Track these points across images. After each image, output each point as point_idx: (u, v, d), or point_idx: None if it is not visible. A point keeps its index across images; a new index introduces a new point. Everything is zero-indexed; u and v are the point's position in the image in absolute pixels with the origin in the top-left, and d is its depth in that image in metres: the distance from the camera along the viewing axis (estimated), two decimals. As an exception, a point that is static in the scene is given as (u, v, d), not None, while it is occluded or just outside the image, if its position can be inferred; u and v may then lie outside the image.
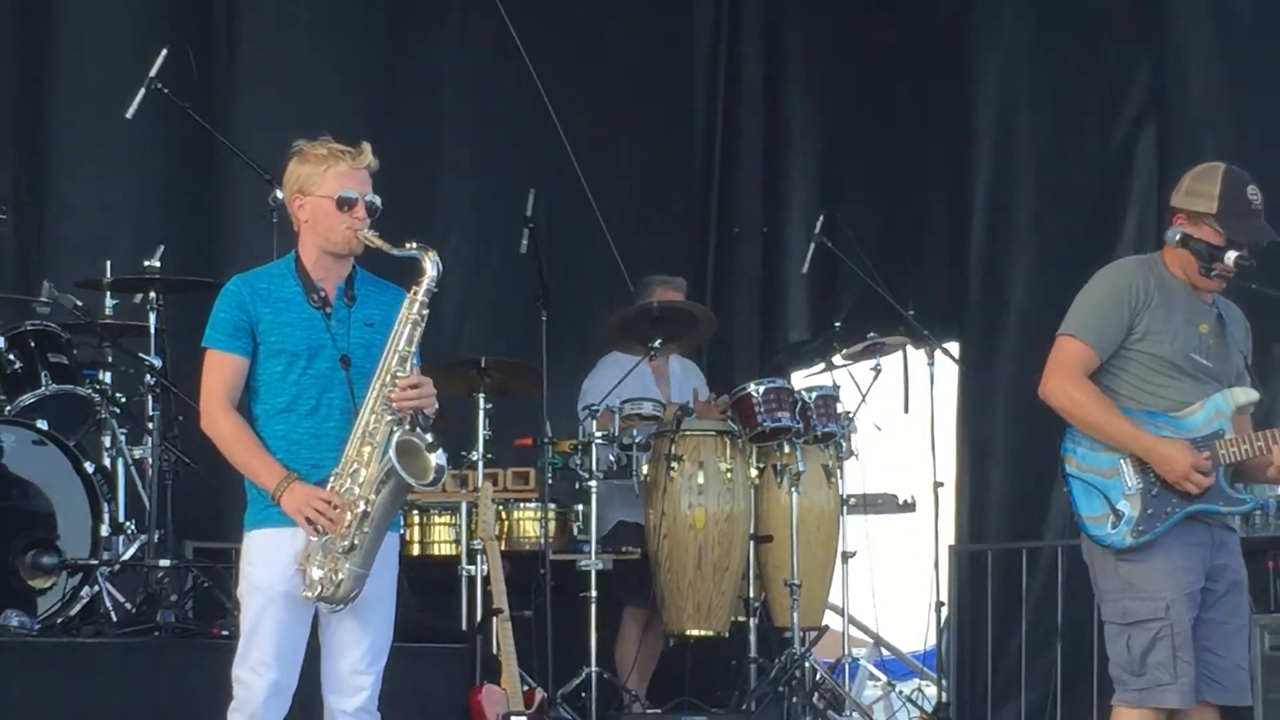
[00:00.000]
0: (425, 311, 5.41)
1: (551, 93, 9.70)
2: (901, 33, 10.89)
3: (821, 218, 9.80)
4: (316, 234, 5.43)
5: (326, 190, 5.39)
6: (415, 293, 5.40)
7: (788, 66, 11.55)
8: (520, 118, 9.98)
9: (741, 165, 11.49)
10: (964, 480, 10.31)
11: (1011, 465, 10.22)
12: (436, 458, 5.35)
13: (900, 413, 9.35)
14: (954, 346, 10.12)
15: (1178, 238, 5.83)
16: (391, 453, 5.26)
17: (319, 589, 5.26)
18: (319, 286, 5.45)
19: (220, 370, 5.38)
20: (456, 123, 10.47)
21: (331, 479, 5.32)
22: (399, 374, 5.35)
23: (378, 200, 5.44)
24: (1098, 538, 5.79)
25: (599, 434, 8.41)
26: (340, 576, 5.25)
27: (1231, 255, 5.76)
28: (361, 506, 5.27)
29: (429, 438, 5.37)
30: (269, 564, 5.34)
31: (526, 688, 7.34)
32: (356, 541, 5.26)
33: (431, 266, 5.38)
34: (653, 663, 8.85)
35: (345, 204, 5.38)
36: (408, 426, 5.33)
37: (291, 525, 5.29)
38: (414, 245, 5.40)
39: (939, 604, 9.43)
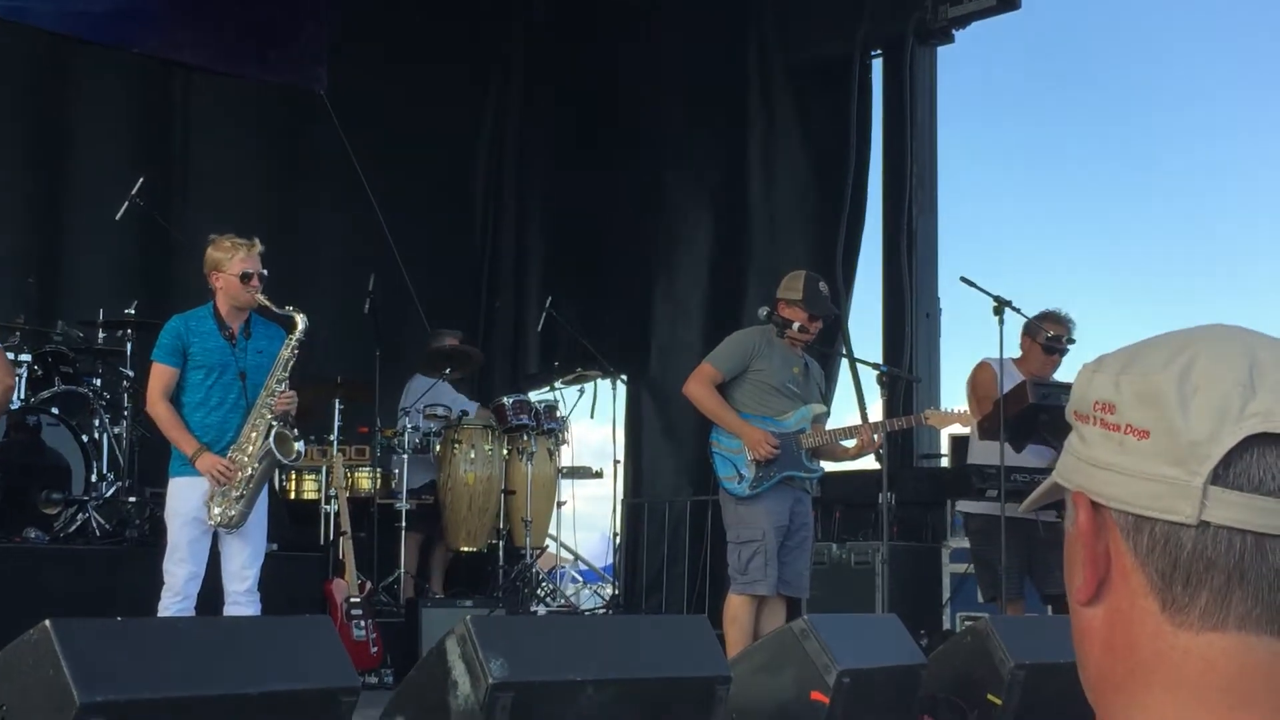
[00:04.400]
0: (297, 350, 5.42)
1: (384, 206, 9.63)
2: (612, 179, 10.72)
3: (550, 298, 9.87)
4: (228, 296, 5.44)
5: (234, 270, 5.41)
6: (290, 339, 5.41)
7: (530, 205, 11.40)
8: (363, 221, 9.73)
9: (501, 264, 11.34)
10: (628, 458, 10.22)
11: (660, 449, 10.24)
12: (299, 445, 5.43)
13: (590, 417, 9.46)
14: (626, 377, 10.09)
15: (763, 314, 6.04)
16: (270, 440, 5.30)
17: (219, 519, 5.29)
18: (228, 325, 5.44)
19: (162, 376, 5.38)
20: (330, 224, 10.28)
21: (231, 450, 5.32)
22: (278, 390, 5.38)
23: (265, 272, 5.47)
24: (729, 490, 5.95)
25: (410, 425, 8.44)
26: (233, 513, 5.28)
27: (796, 325, 5.98)
28: (250, 471, 5.27)
29: (295, 432, 5.43)
30: (184, 500, 5.34)
31: (361, 581, 7.40)
32: (245, 493, 5.29)
33: (301, 322, 5.40)
34: (444, 568, 8.78)
35: (246, 278, 5.38)
36: (282, 423, 5.37)
37: (199, 476, 5.30)
38: (291, 308, 5.39)
39: (615, 534, 9.55)
